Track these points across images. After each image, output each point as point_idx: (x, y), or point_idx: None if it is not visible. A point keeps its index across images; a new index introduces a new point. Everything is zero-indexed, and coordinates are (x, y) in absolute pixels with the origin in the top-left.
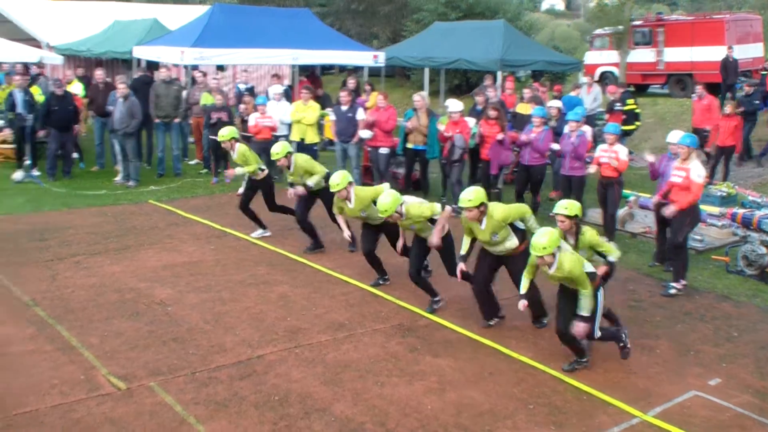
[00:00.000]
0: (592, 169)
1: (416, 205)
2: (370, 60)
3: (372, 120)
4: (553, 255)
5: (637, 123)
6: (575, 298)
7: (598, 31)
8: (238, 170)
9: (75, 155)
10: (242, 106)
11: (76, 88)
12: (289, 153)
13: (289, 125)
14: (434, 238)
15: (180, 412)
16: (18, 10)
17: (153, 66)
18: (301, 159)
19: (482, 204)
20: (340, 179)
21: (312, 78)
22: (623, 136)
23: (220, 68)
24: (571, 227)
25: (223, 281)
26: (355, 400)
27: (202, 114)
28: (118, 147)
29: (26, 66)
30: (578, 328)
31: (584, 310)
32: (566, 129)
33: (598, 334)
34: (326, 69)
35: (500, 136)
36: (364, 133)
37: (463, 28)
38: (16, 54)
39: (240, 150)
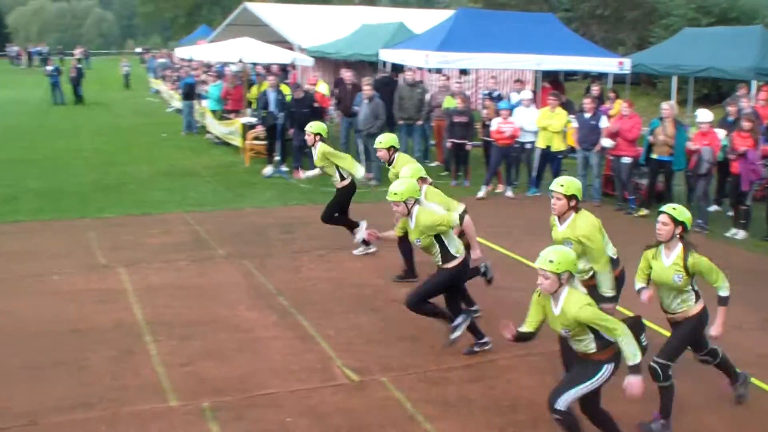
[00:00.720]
0: None
1: (429, 212)
2: (614, 67)
3: (615, 128)
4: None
5: None
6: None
7: None
8: (310, 173)
9: None
10: (484, 111)
11: (322, 88)
12: (393, 147)
13: (535, 132)
14: (475, 250)
15: (409, 408)
16: (273, 15)
17: (397, 68)
18: (404, 158)
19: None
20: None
21: (555, 84)
22: None
23: (464, 72)
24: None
25: None
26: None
27: (444, 117)
28: (361, 146)
29: (283, 67)
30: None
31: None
32: None
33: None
34: (569, 75)
35: (742, 149)
36: (606, 142)
37: (715, 33)
38: (271, 56)
39: (321, 149)
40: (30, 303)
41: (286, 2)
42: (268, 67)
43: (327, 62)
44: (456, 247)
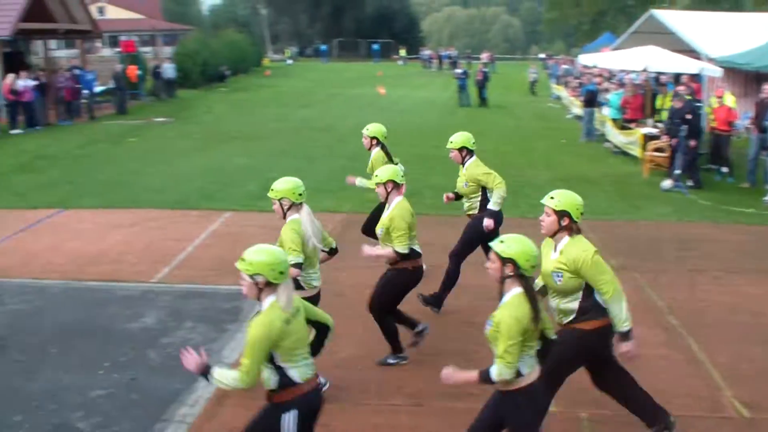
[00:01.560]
0: None
1: (400, 214)
2: None
3: None
4: None
5: None
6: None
7: None
8: (359, 181)
9: (724, 169)
10: None
11: (728, 101)
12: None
13: None
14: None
15: None
16: (681, 23)
17: None
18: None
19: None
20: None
21: None
22: None
23: None
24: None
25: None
26: None
27: None
28: None
29: (694, 76)
30: None
31: None
32: None
33: None
34: None
35: None
36: None
37: None
38: (677, 65)
39: (374, 156)
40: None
41: (695, 9)
42: (676, 77)
43: (737, 73)
44: None
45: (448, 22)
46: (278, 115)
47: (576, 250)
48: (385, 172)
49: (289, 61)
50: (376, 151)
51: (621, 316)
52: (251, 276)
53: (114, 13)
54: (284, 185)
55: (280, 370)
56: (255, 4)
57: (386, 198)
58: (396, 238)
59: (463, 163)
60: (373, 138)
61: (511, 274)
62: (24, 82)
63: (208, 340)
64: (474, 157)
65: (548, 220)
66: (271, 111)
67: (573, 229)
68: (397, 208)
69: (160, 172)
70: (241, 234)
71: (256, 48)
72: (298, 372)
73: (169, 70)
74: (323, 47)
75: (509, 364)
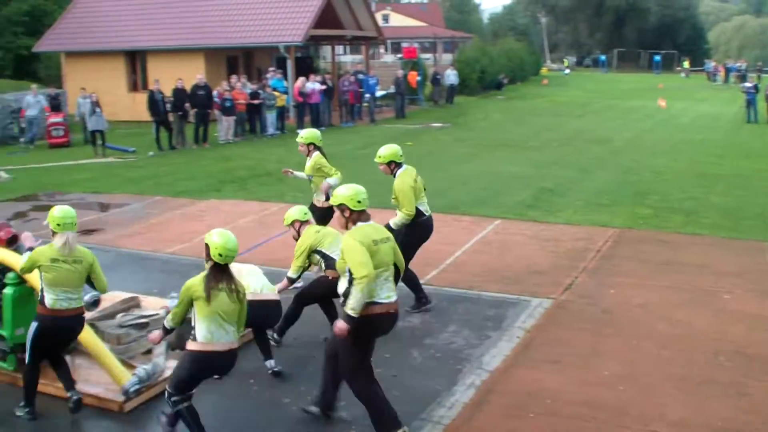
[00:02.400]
0: None
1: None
2: None
3: None
4: None
5: None
6: None
7: None
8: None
9: None
10: None
11: None
12: None
13: None
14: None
15: None
16: None
17: None
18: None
19: None
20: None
21: None
22: None
23: None
24: None
25: None
26: None
27: None
28: None
29: None
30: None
31: None
32: None
33: None
34: None
35: None
36: None
37: None
38: None
39: (314, 160)
40: (699, 316)
41: None
42: None
43: None
44: None
45: (738, 33)
46: (552, 124)
47: (345, 235)
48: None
49: (567, 71)
50: (316, 155)
51: (351, 301)
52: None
53: (397, 20)
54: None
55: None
56: (535, 12)
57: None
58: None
59: (394, 175)
60: (309, 144)
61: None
62: (312, 85)
63: (470, 346)
64: (402, 169)
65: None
66: (546, 120)
67: (352, 217)
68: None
69: (433, 176)
70: (509, 242)
71: (535, 57)
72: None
73: (451, 76)
74: (602, 57)
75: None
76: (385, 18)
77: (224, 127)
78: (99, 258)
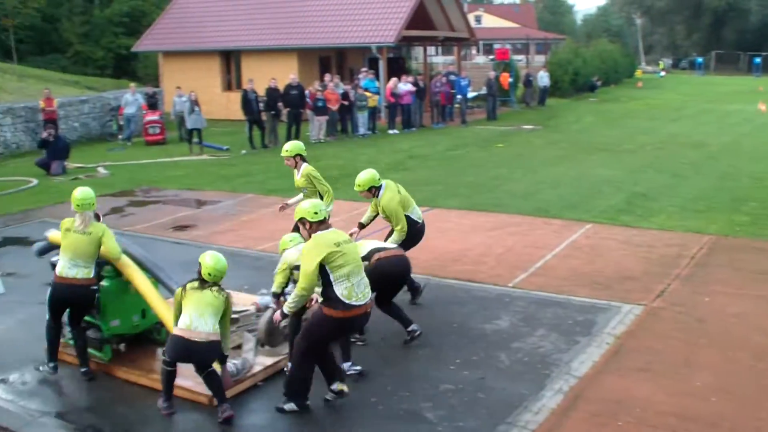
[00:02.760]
0: None
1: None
2: None
3: None
4: None
5: None
6: None
7: None
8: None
9: None
10: None
11: None
12: None
13: None
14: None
15: None
16: None
17: None
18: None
19: None
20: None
21: None
22: None
23: None
24: None
25: None
26: None
27: None
28: None
29: None
30: None
31: None
32: None
33: None
34: None
35: None
36: None
37: None
38: None
39: (305, 171)
40: None
41: None
42: None
43: None
44: None
45: None
46: (646, 128)
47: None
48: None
49: (662, 73)
50: (306, 166)
51: (290, 302)
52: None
53: (490, 21)
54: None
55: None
56: (630, 13)
57: None
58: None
59: (377, 196)
60: (295, 156)
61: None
62: (404, 86)
63: (558, 350)
64: (383, 188)
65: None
66: (639, 124)
67: (312, 229)
68: None
69: (524, 178)
70: (600, 247)
71: (629, 59)
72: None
73: (544, 78)
74: (699, 59)
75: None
76: (478, 19)
77: (316, 126)
78: (191, 253)
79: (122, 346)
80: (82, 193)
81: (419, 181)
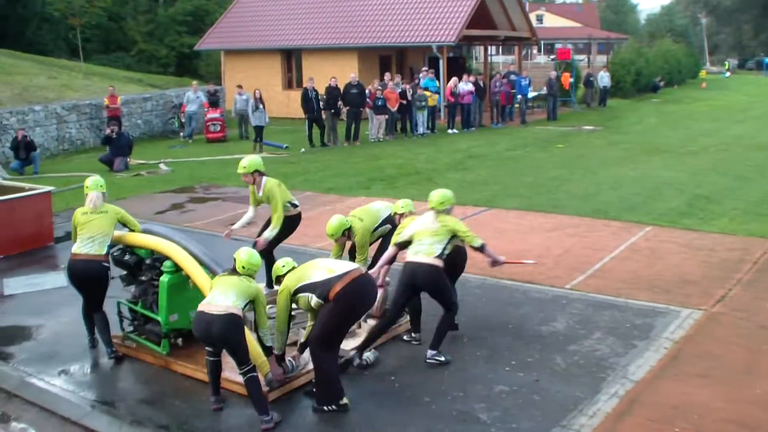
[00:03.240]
0: None
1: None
2: None
3: None
4: None
5: None
6: None
7: None
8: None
9: None
10: None
11: None
12: None
13: None
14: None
15: None
16: None
17: None
18: None
19: None
20: None
21: None
22: None
23: None
24: None
25: None
26: None
27: None
28: None
29: None
30: None
31: None
32: None
33: None
34: None
35: None
36: None
37: None
38: None
39: (267, 186)
40: None
41: None
42: None
43: None
44: None
45: None
46: (709, 129)
47: None
48: None
49: (727, 74)
50: (268, 180)
51: None
52: None
53: (552, 21)
54: None
55: None
56: (695, 12)
57: None
58: None
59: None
60: (254, 172)
61: None
62: (464, 86)
63: (615, 354)
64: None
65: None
66: (703, 125)
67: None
68: None
69: (583, 179)
70: (659, 250)
71: (693, 59)
72: None
73: (604, 78)
74: (766, 60)
75: None
76: (540, 18)
77: (375, 125)
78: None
79: (179, 341)
80: (92, 180)
81: (478, 181)
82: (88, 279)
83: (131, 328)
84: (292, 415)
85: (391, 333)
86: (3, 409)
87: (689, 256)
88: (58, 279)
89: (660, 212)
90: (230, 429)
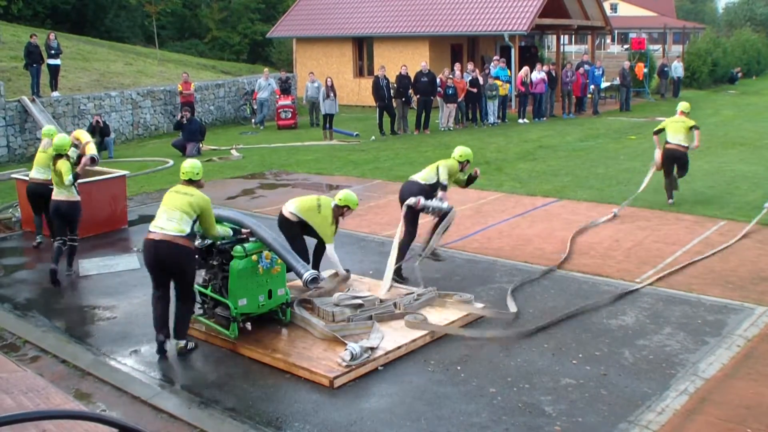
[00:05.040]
0: None
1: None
2: None
3: None
4: None
5: None
6: None
7: None
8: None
9: None
10: None
11: None
12: None
13: None
14: None
15: None
16: None
17: None
18: None
19: None
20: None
21: None
22: None
23: None
24: None
25: None
26: None
27: None
28: None
29: None
30: None
31: None
32: None
33: None
34: None
35: None
36: None
37: None
38: None
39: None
40: None
41: None
42: None
43: None
44: None
45: None
46: None
47: None
48: None
49: None
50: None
51: None
52: None
53: (626, 10)
54: None
55: None
56: None
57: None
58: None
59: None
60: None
61: None
62: (536, 75)
63: (685, 350)
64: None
65: None
66: None
67: None
68: None
69: (657, 172)
70: (735, 245)
71: None
72: None
73: (677, 69)
74: None
75: None
76: (614, 7)
77: (445, 114)
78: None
79: (248, 325)
80: (59, 138)
81: (548, 172)
82: (39, 196)
83: (201, 312)
84: (359, 401)
85: (471, 318)
86: (78, 386)
87: (765, 252)
88: (131, 261)
89: (735, 206)
90: (295, 414)
